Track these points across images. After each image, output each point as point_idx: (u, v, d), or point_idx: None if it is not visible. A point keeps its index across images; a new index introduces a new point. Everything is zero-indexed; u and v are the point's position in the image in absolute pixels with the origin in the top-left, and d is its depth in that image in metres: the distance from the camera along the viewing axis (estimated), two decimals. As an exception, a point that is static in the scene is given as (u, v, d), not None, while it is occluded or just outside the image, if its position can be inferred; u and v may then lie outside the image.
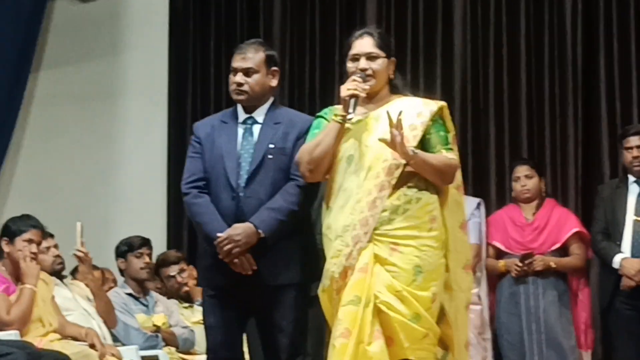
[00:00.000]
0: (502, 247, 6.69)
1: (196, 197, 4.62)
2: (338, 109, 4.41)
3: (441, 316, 4.42)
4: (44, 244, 5.92)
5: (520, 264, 6.50)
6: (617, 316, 6.30)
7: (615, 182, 6.58)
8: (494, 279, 6.74)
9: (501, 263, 6.64)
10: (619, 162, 7.03)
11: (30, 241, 5.73)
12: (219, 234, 4.48)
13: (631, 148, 6.40)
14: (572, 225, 6.65)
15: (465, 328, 4.52)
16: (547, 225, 6.66)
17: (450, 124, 4.50)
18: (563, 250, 6.63)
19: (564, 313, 6.53)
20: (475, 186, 7.39)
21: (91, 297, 6.19)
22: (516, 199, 6.80)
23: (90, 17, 8.63)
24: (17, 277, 5.67)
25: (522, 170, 6.75)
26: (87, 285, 6.19)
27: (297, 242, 4.58)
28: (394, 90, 4.54)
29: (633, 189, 6.39)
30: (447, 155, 4.39)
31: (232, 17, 8.42)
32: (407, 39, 7.82)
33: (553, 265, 6.52)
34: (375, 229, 4.29)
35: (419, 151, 4.31)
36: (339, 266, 4.33)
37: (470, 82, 7.70)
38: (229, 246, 4.45)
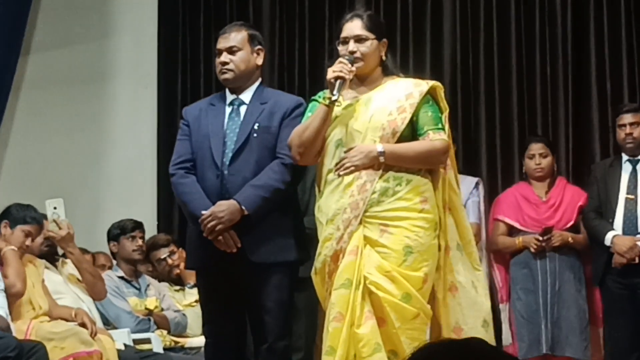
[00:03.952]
0: (517, 225, 6.62)
1: (182, 177, 4.66)
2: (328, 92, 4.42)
3: (432, 297, 4.44)
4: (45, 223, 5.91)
5: (540, 238, 6.46)
6: (608, 294, 6.31)
7: (609, 161, 6.57)
8: (504, 257, 6.70)
9: (518, 240, 6.58)
10: (609, 142, 7.04)
11: (29, 234, 5.74)
12: (203, 212, 4.50)
13: (624, 125, 6.40)
14: (583, 201, 6.60)
15: (451, 310, 4.44)
16: (562, 203, 6.60)
17: (443, 104, 4.49)
18: (575, 229, 6.59)
19: (580, 290, 6.49)
20: (465, 167, 7.38)
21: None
22: (529, 176, 6.73)
23: (79, 0, 8.60)
24: None
25: (536, 148, 6.68)
26: (70, 258, 6.12)
27: (282, 221, 4.60)
28: (387, 71, 4.54)
29: (626, 167, 6.39)
30: (433, 137, 4.38)
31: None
32: (396, 20, 7.79)
33: (571, 240, 6.48)
34: (365, 211, 4.31)
35: (388, 147, 4.30)
36: (331, 250, 4.35)
37: (459, 63, 7.67)
38: (212, 223, 4.47)
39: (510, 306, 6.64)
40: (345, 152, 4.37)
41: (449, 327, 4.45)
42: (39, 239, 5.97)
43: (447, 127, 4.50)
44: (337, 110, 4.42)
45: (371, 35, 4.47)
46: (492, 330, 4.60)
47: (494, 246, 6.71)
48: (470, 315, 4.47)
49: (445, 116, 4.49)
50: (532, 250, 6.50)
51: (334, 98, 4.34)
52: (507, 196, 6.79)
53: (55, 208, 5.87)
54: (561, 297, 6.45)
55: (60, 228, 5.88)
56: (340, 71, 4.34)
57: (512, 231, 6.68)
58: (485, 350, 2.03)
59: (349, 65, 4.37)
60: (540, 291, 6.48)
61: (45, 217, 5.90)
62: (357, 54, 4.43)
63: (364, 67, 4.45)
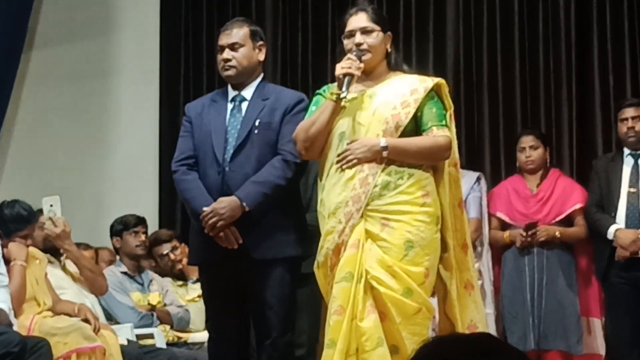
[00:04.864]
0: (506, 219, 6.65)
1: (184, 174, 4.67)
2: (335, 87, 4.41)
3: (445, 295, 4.44)
4: (40, 219, 5.91)
5: (524, 234, 6.47)
6: (611, 289, 6.30)
7: (611, 155, 6.58)
8: (499, 251, 6.71)
9: (506, 234, 6.60)
10: (612, 137, 7.04)
11: (25, 237, 5.75)
12: (204, 208, 4.51)
13: (626, 119, 6.41)
14: (577, 198, 6.58)
15: (466, 308, 4.46)
16: (551, 196, 6.61)
17: (448, 101, 4.49)
18: (567, 222, 6.58)
19: (570, 285, 6.48)
20: (469, 161, 7.37)
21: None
22: (521, 169, 6.77)
23: (82, -4, 8.61)
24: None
25: (527, 141, 6.70)
26: (67, 255, 6.11)
27: (284, 217, 4.59)
28: (392, 66, 4.54)
29: (628, 161, 6.39)
30: (437, 133, 4.38)
31: (224, -6, 8.40)
32: (399, 15, 7.79)
33: (558, 235, 6.47)
34: (366, 204, 4.30)
35: (391, 142, 4.30)
36: (332, 243, 4.34)
37: (463, 59, 7.67)
38: (213, 219, 4.48)
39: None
40: (348, 144, 4.36)
41: (464, 324, 4.44)
42: (41, 233, 5.97)
43: (452, 125, 4.50)
44: (343, 103, 4.41)
45: (377, 27, 4.48)
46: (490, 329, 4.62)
47: (491, 240, 6.73)
48: (482, 314, 4.51)
49: (449, 114, 4.49)
50: (517, 245, 6.51)
51: (342, 95, 4.33)
52: (500, 190, 6.82)
53: (51, 205, 5.87)
54: (550, 292, 6.43)
55: (55, 225, 5.88)
56: (349, 67, 4.33)
57: (504, 225, 6.70)
58: (494, 344, 2.02)
59: (357, 62, 4.36)
60: (528, 286, 6.47)
61: (40, 211, 5.91)
62: (364, 46, 4.43)
63: (371, 60, 4.44)
